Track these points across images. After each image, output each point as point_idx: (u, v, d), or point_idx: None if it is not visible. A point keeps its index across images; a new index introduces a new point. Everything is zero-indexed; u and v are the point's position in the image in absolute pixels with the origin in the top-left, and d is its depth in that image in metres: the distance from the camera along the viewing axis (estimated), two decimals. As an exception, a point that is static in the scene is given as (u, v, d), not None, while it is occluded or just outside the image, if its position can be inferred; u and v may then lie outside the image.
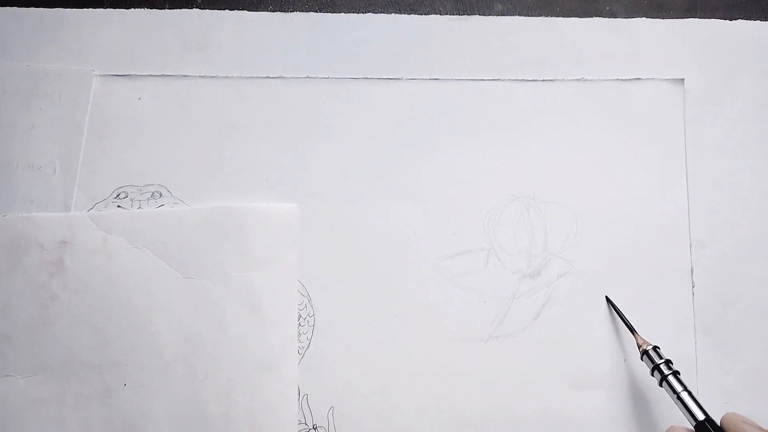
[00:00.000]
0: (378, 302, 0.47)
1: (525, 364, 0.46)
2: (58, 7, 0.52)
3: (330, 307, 0.47)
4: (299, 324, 0.46)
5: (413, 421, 0.45)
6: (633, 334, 0.45)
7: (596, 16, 0.53)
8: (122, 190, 0.48)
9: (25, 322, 0.45)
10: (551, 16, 0.53)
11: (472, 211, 0.49)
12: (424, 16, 0.53)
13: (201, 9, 0.52)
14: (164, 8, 0.52)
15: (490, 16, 0.53)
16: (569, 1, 0.53)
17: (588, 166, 0.50)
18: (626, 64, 0.52)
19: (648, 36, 0.52)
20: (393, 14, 0.53)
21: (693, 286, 0.48)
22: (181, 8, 0.52)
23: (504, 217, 0.49)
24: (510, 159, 0.50)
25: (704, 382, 0.46)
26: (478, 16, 0.53)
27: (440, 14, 0.53)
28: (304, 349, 0.46)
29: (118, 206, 0.48)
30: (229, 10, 0.52)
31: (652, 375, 0.43)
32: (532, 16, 0.53)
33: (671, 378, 0.41)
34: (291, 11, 0.53)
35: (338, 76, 0.51)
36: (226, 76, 0.51)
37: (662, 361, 0.42)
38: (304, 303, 0.47)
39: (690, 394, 0.40)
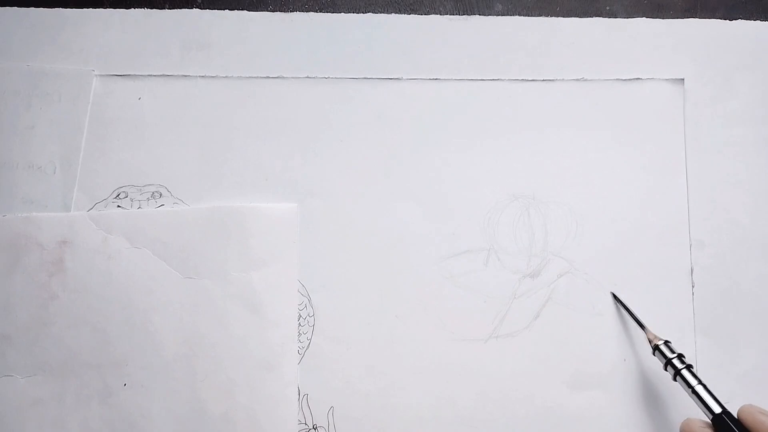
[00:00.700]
0: (378, 302, 0.47)
1: (525, 364, 0.46)
2: (58, 7, 0.52)
3: (330, 307, 0.47)
4: (299, 324, 0.46)
5: (413, 420, 0.45)
6: (643, 329, 0.45)
7: (596, 16, 0.53)
8: (122, 190, 0.48)
9: (25, 322, 0.45)
10: (551, 16, 0.53)
11: (472, 211, 0.49)
12: (424, 16, 0.53)
13: (201, 9, 0.52)
14: (164, 8, 0.52)
15: (490, 16, 0.53)
16: (569, 1, 0.53)
17: (588, 166, 0.50)
18: (626, 64, 0.52)
19: (648, 36, 0.52)
20: (393, 14, 0.53)
21: (693, 286, 0.48)
22: (181, 8, 0.52)
23: (504, 217, 0.49)
24: (510, 159, 0.50)
25: (704, 382, 0.46)
26: (478, 16, 0.53)
27: (440, 14, 0.53)
28: (304, 349, 0.46)
29: (118, 206, 0.48)
30: (229, 10, 0.52)
31: (665, 370, 0.42)
32: (532, 16, 0.53)
33: (685, 372, 0.41)
34: (291, 11, 0.53)
35: (338, 76, 0.51)
36: (227, 76, 0.51)
37: (675, 355, 0.42)
38: (304, 303, 0.47)
39: (705, 387, 0.40)
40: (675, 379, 0.42)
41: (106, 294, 0.46)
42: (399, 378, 0.46)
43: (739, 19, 0.53)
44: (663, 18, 0.53)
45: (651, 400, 0.46)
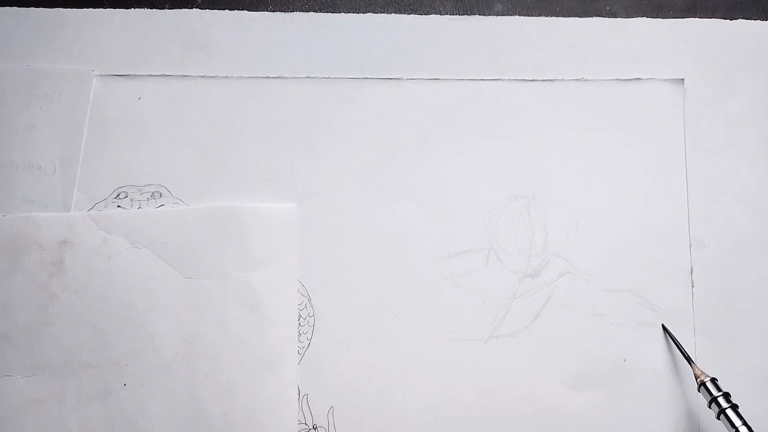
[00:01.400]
0: (378, 302, 0.47)
1: (525, 364, 0.46)
2: (58, 7, 0.52)
3: (330, 307, 0.47)
4: (299, 324, 0.46)
5: (413, 420, 0.45)
6: (690, 364, 0.44)
7: (596, 16, 0.53)
8: (122, 190, 0.48)
9: (25, 322, 0.45)
10: (551, 16, 0.53)
11: (472, 211, 0.49)
12: (424, 16, 0.53)
13: (201, 9, 0.52)
14: (164, 8, 0.52)
15: (490, 16, 0.53)
16: (569, 1, 0.53)
17: (588, 166, 0.50)
18: (626, 64, 0.52)
19: (648, 36, 0.52)
20: (393, 14, 0.53)
21: (693, 286, 0.48)
22: (181, 8, 0.52)
23: (504, 217, 0.49)
24: (510, 159, 0.50)
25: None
26: (478, 16, 0.53)
27: (440, 14, 0.53)
28: (304, 349, 0.46)
29: (118, 206, 0.48)
30: (229, 10, 0.52)
31: (709, 407, 0.42)
32: (532, 16, 0.53)
33: (730, 412, 0.40)
34: (291, 11, 0.53)
35: (338, 76, 0.51)
36: (227, 76, 0.51)
37: (720, 393, 0.41)
38: (304, 303, 0.47)
39: (750, 428, 0.40)
40: (719, 418, 0.41)
41: (106, 294, 0.46)
42: (399, 378, 0.46)
43: (739, 19, 0.53)
44: (663, 18, 0.53)
45: (651, 400, 0.46)
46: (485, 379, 0.46)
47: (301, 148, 0.50)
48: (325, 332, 0.47)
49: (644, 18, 0.53)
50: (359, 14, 0.52)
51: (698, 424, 0.45)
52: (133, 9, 0.52)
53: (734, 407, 0.41)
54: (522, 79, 0.51)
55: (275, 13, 0.52)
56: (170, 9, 0.52)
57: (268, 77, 0.51)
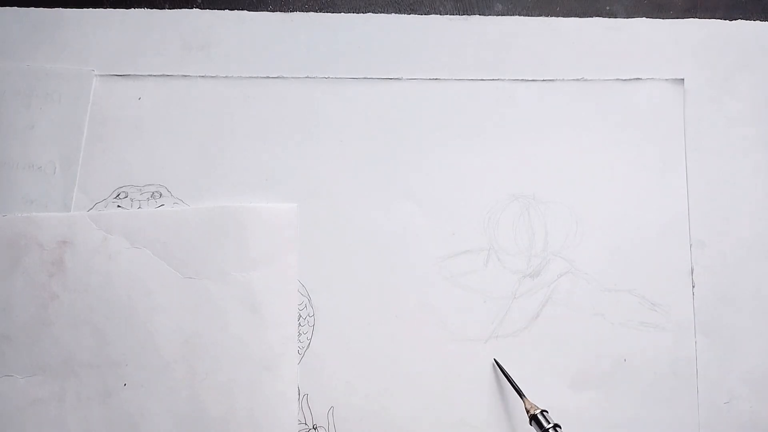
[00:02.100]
0: (378, 302, 0.47)
1: (525, 364, 0.46)
2: (58, 7, 0.52)
3: (330, 307, 0.47)
4: (299, 324, 0.46)
5: (413, 420, 0.45)
6: (522, 398, 0.44)
7: (596, 16, 0.53)
8: (122, 190, 0.48)
9: (25, 322, 0.45)
10: (551, 16, 0.53)
11: (472, 211, 0.49)
12: (424, 16, 0.53)
13: (201, 9, 0.52)
14: (164, 8, 0.52)
15: (490, 16, 0.53)
16: (569, 1, 0.53)
17: (588, 166, 0.50)
18: (626, 64, 0.52)
19: (648, 36, 0.52)
20: (393, 14, 0.53)
21: (693, 286, 0.48)
22: (181, 8, 0.52)
23: (504, 217, 0.49)
24: (510, 159, 0.50)
25: (704, 382, 0.46)
26: (478, 16, 0.53)
27: (440, 14, 0.53)
28: (304, 349, 0.46)
29: (118, 206, 0.48)
30: (229, 10, 0.52)
31: None
32: (532, 16, 0.53)
33: None
34: (291, 11, 0.53)
35: (338, 76, 0.51)
36: (226, 76, 0.51)
37: (551, 425, 0.41)
38: (304, 303, 0.47)
39: None
40: None
41: (106, 294, 0.46)
42: (399, 378, 0.46)
43: (739, 19, 0.53)
44: (663, 18, 0.53)
45: (651, 400, 0.46)
46: (485, 379, 0.46)
47: (301, 148, 0.50)
48: (325, 332, 0.47)
49: (644, 18, 0.53)
50: (359, 14, 0.52)
51: (698, 424, 0.45)
52: (133, 9, 0.52)
53: None
54: (522, 79, 0.51)
55: (275, 13, 0.52)
56: (170, 9, 0.52)
57: (268, 77, 0.51)
